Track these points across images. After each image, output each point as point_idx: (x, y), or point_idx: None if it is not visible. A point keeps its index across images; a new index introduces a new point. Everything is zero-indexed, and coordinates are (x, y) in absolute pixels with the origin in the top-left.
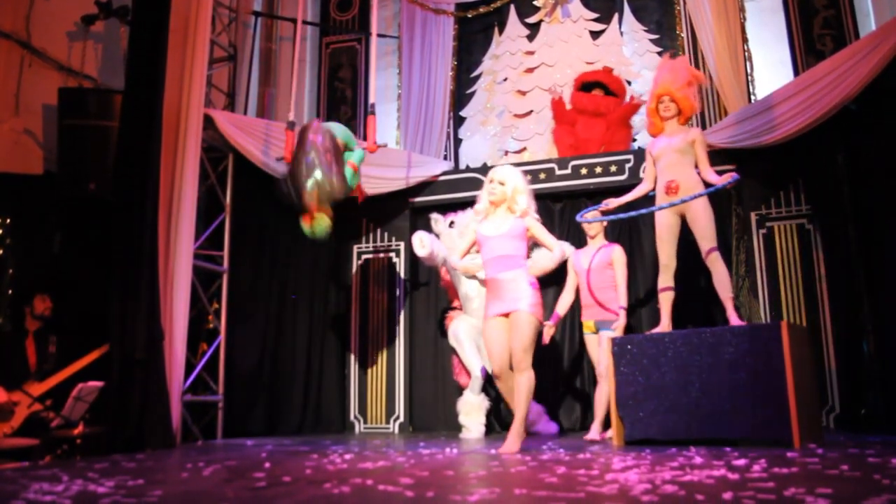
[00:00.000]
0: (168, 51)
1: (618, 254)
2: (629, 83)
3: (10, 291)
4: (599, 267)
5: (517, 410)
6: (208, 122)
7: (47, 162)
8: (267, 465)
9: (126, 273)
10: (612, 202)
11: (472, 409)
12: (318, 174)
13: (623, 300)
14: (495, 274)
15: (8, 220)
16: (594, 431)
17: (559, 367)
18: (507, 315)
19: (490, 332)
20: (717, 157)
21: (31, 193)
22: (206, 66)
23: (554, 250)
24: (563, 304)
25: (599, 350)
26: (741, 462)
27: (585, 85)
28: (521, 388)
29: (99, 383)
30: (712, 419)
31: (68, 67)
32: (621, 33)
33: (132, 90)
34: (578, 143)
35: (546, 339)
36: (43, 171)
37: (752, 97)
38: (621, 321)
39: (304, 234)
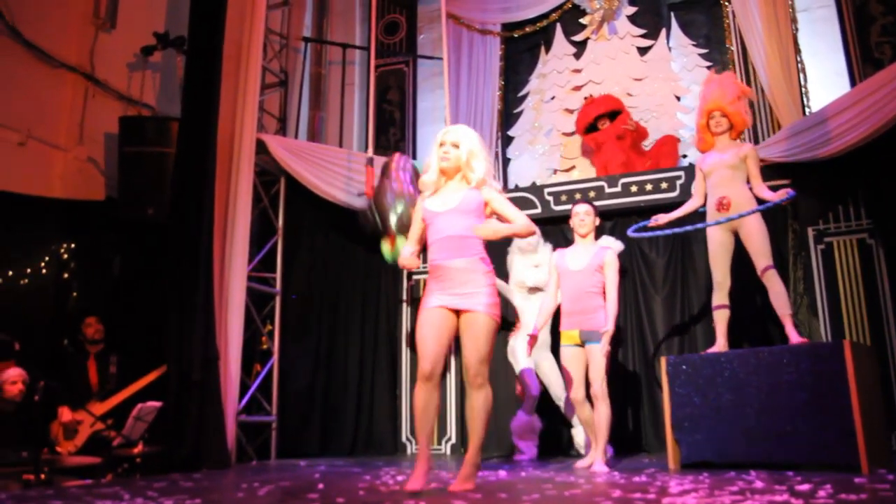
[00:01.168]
0: (222, 78)
1: (611, 257)
2: (678, 98)
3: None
4: (589, 270)
5: (474, 436)
6: (261, 147)
7: (108, 188)
8: (320, 486)
9: (182, 295)
10: (662, 218)
11: (525, 431)
12: (401, 205)
13: (614, 308)
14: (444, 260)
15: (73, 245)
16: (599, 463)
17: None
18: (454, 311)
19: (426, 323)
20: (772, 171)
21: (94, 218)
22: (259, 91)
23: (518, 221)
24: (546, 311)
25: (591, 365)
26: (805, 487)
27: (589, 127)
28: (479, 408)
29: (157, 403)
30: (772, 442)
31: (128, 97)
32: (669, 48)
33: (188, 117)
34: (607, 164)
35: (529, 351)
36: (105, 196)
37: (807, 110)
38: (610, 330)
39: (385, 258)
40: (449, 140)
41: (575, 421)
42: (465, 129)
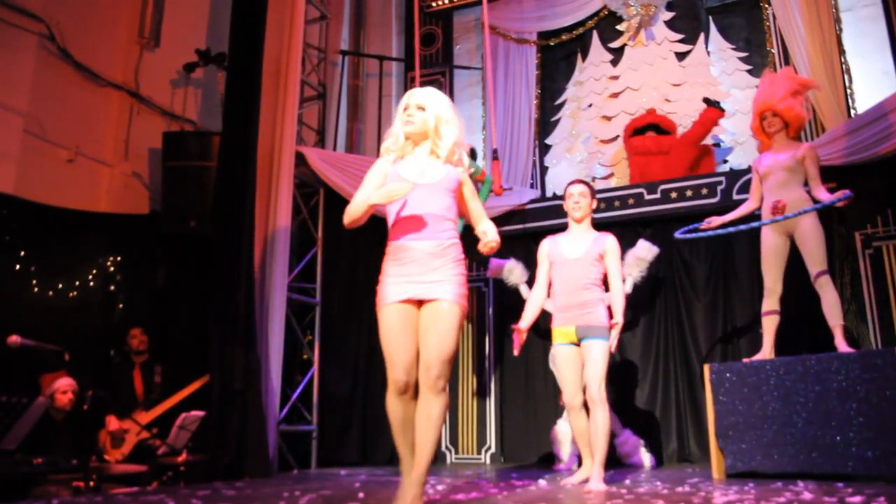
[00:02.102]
0: (262, 93)
1: (613, 243)
2: (718, 103)
3: (118, 325)
4: (588, 258)
5: (425, 451)
6: (300, 159)
7: (153, 202)
8: (361, 494)
9: (224, 306)
10: (716, 221)
11: (565, 439)
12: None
13: (622, 298)
14: (413, 240)
15: (118, 258)
16: (597, 479)
17: (651, 388)
18: (416, 302)
19: (393, 327)
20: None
21: (138, 232)
22: (298, 105)
23: (488, 227)
24: (535, 305)
25: (588, 365)
26: (857, 499)
27: (637, 130)
28: (437, 416)
29: (201, 413)
30: (821, 452)
31: (171, 112)
32: (708, 53)
33: (229, 131)
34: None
35: (517, 349)
36: (149, 210)
37: (852, 112)
38: (620, 323)
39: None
40: (413, 103)
41: (561, 430)
42: (433, 91)
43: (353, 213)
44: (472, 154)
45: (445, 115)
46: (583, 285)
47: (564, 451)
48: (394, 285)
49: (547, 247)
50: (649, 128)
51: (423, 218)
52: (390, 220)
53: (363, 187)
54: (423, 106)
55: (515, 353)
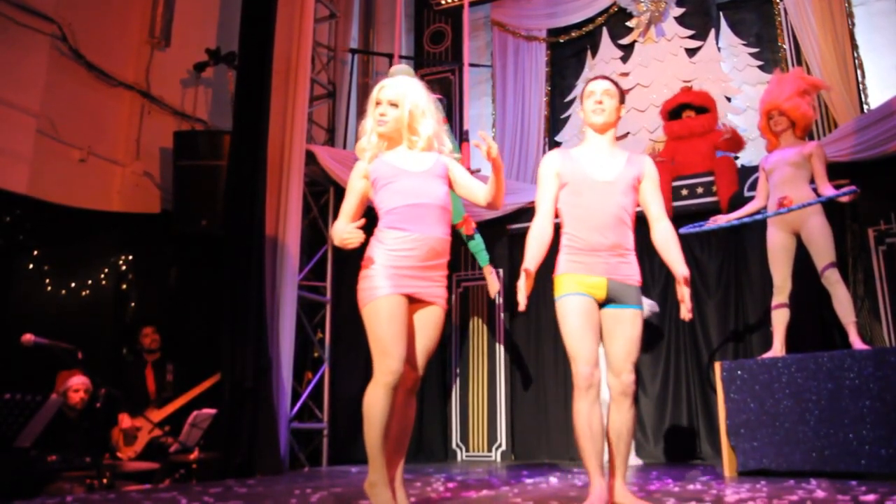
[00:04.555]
0: (272, 91)
1: (652, 167)
2: (729, 99)
3: (130, 324)
4: (624, 183)
5: (402, 450)
6: (310, 158)
7: (164, 201)
8: None
9: (235, 304)
10: (721, 219)
11: None
12: None
13: (677, 245)
14: (416, 231)
15: (130, 257)
16: (623, 490)
17: (662, 385)
18: (407, 297)
19: (392, 316)
20: (829, 171)
21: (150, 231)
22: (307, 103)
23: (483, 195)
24: (541, 241)
25: (618, 341)
26: (870, 497)
27: (672, 112)
28: (410, 417)
29: (212, 410)
30: (834, 449)
31: (182, 112)
32: (719, 49)
33: (239, 130)
34: (677, 169)
35: (524, 300)
36: (160, 209)
37: (865, 107)
38: (688, 274)
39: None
40: (386, 98)
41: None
42: (407, 82)
43: (334, 239)
44: (441, 103)
45: (420, 106)
46: (617, 220)
47: None
48: (391, 277)
49: (558, 161)
50: (684, 108)
51: (426, 209)
52: (383, 207)
53: (347, 196)
54: (395, 102)
55: (522, 305)
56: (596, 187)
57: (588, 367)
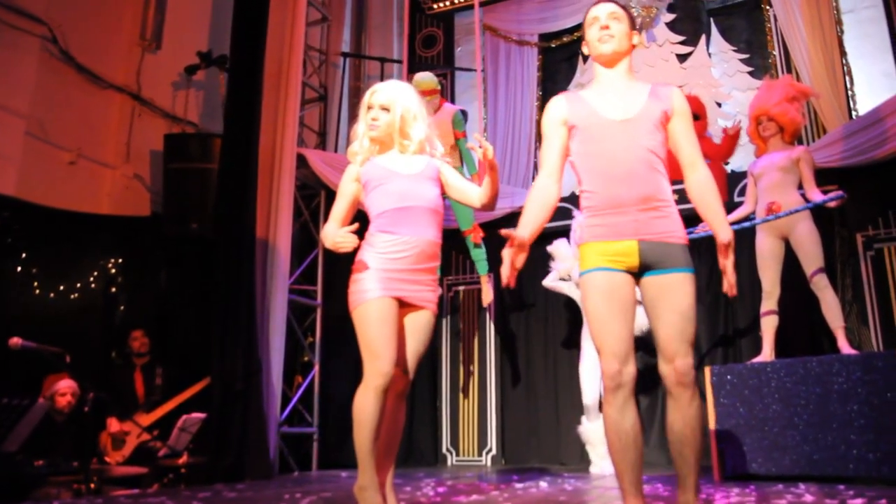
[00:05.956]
0: (263, 95)
1: (681, 100)
2: (719, 105)
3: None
4: (647, 120)
5: (392, 455)
6: (301, 161)
7: (154, 204)
8: None
9: (226, 308)
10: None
11: (595, 437)
12: None
13: (718, 200)
14: (415, 234)
15: (120, 260)
16: None
17: (652, 389)
18: (398, 300)
19: (383, 319)
20: (818, 176)
21: (140, 234)
22: (299, 107)
23: (478, 196)
24: (543, 204)
25: (666, 317)
26: (858, 502)
27: None
28: (400, 421)
29: (201, 415)
30: (822, 454)
31: (173, 115)
32: (709, 54)
33: (230, 133)
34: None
35: (512, 275)
36: (150, 212)
37: (853, 113)
38: (731, 239)
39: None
40: (377, 102)
41: (588, 427)
42: (399, 87)
43: (325, 242)
44: (465, 116)
45: (412, 111)
46: (645, 165)
47: (598, 453)
48: (381, 280)
49: (564, 106)
50: None
51: (418, 212)
52: (374, 210)
53: (338, 199)
54: (387, 106)
55: (505, 279)
56: (613, 129)
57: (615, 362)
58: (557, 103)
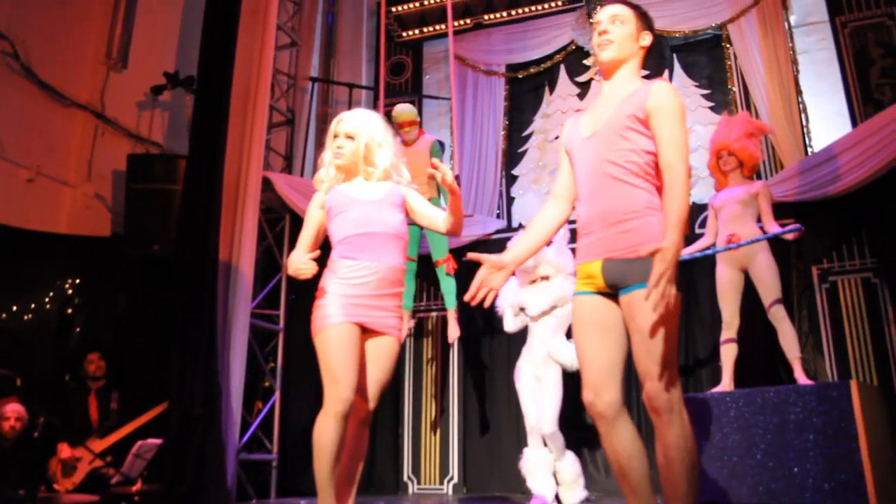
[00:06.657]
0: (230, 117)
1: (661, 93)
2: None
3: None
4: (615, 125)
5: (354, 482)
6: (266, 185)
7: (115, 224)
8: None
9: (185, 331)
10: None
11: (538, 468)
12: None
13: (684, 200)
14: (369, 259)
15: (77, 281)
16: None
17: None
18: (360, 327)
19: (344, 345)
20: (775, 210)
21: (99, 255)
22: (266, 130)
23: (443, 221)
24: (538, 230)
25: (638, 342)
26: None
27: None
28: (361, 449)
29: (157, 441)
30: (780, 483)
31: (137, 135)
32: None
33: (195, 155)
34: None
35: (475, 292)
36: (111, 233)
37: (809, 149)
38: (672, 246)
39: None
40: (343, 131)
41: (530, 458)
42: (364, 116)
43: (288, 269)
44: (441, 146)
45: (377, 139)
46: (606, 178)
47: (537, 482)
48: (343, 306)
49: (564, 131)
50: None
51: (378, 238)
52: (336, 236)
53: (304, 226)
54: (352, 135)
55: (471, 292)
56: (582, 147)
57: (588, 392)
58: (564, 127)
